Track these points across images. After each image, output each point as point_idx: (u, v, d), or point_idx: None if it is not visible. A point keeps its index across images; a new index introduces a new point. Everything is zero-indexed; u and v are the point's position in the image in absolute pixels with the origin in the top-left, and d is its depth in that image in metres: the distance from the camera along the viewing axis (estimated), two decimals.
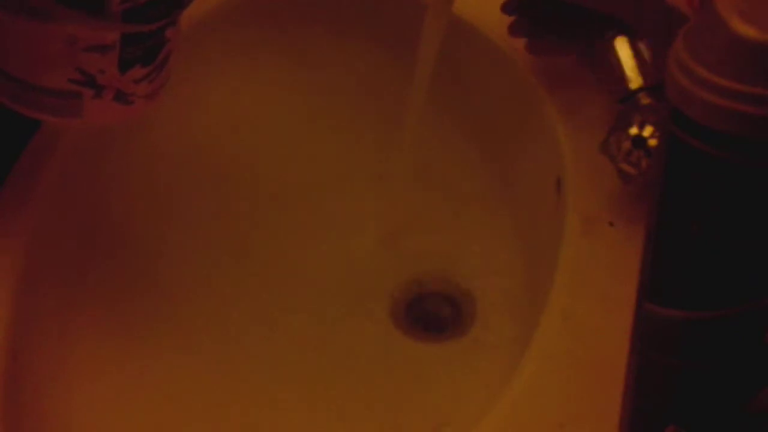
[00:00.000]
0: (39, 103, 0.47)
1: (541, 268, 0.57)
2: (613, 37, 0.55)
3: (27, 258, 0.54)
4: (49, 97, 0.46)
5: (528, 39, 0.61)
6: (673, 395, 0.39)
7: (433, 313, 0.66)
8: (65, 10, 0.42)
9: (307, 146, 0.72)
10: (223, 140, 0.71)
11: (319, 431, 0.60)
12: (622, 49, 0.55)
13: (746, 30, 0.31)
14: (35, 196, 0.57)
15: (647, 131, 0.52)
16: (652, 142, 0.52)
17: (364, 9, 0.60)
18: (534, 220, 0.65)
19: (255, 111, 0.72)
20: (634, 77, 0.55)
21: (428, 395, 0.62)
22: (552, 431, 0.46)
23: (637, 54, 0.55)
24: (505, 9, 0.60)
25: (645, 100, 0.54)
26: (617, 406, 0.42)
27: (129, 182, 0.64)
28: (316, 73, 0.73)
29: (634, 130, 0.52)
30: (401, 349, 0.64)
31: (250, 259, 0.68)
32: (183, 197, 0.66)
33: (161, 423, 0.58)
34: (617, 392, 0.42)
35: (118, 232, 0.62)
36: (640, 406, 0.41)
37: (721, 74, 0.31)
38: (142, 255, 0.63)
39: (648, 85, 0.54)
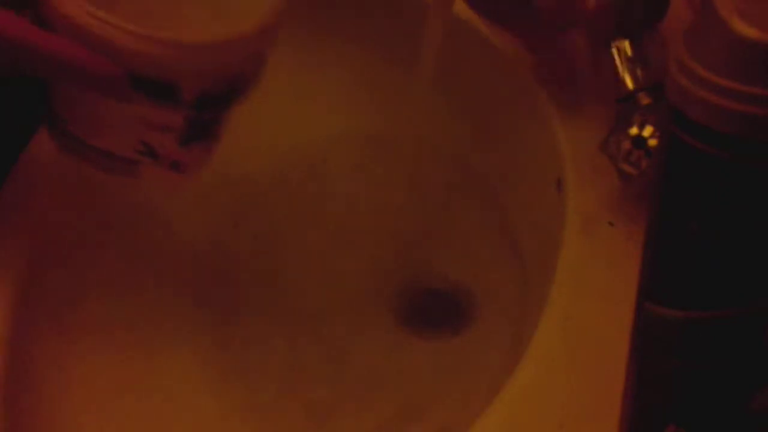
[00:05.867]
0: (98, 161, 0.49)
1: (541, 268, 0.57)
2: (613, 38, 0.55)
3: (27, 258, 0.54)
4: (108, 159, 0.49)
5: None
6: (673, 395, 0.39)
7: (432, 313, 0.66)
8: (141, 96, 0.45)
9: (308, 145, 0.72)
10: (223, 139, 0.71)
11: (316, 428, 0.60)
12: (622, 49, 0.55)
13: (746, 30, 0.31)
14: (35, 196, 0.57)
15: (647, 131, 0.52)
16: (652, 142, 0.52)
17: (364, 9, 0.60)
18: (534, 220, 0.65)
19: (254, 109, 0.72)
20: (633, 77, 0.55)
21: (428, 395, 0.62)
22: (552, 431, 0.46)
23: (636, 54, 0.55)
24: None
25: (645, 100, 0.54)
26: (617, 406, 0.42)
27: (129, 182, 0.64)
28: (315, 74, 0.73)
29: (634, 130, 0.52)
30: (401, 348, 0.64)
31: (250, 257, 0.68)
32: (185, 194, 0.66)
33: (161, 423, 0.58)
34: (617, 392, 0.42)
35: (119, 232, 0.62)
36: (640, 406, 0.41)
37: (721, 74, 0.31)
38: (143, 255, 0.63)
39: (648, 85, 0.54)
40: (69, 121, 0.48)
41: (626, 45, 0.55)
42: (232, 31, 0.46)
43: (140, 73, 0.45)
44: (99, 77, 0.44)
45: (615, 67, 0.55)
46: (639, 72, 0.55)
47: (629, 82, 0.55)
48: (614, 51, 0.55)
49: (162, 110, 0.46)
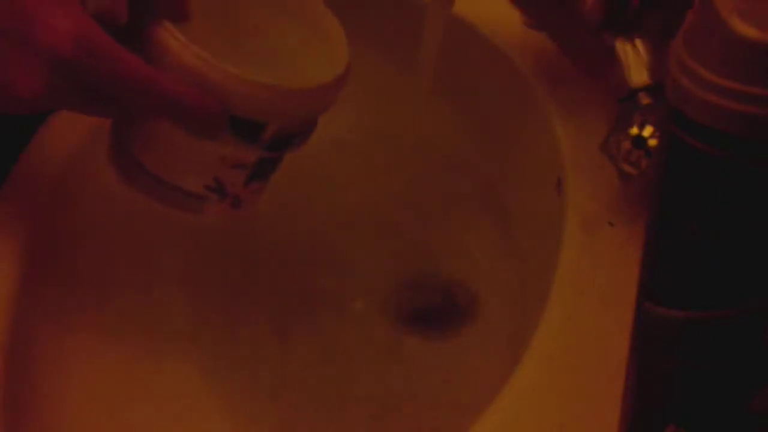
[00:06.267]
0: (166, 196, 0.51)
1: (541, 268, 0.57)
2: (614, 38, 0.55)
3: (26, 258, 0.54)
4: (178, 194, 0.51)
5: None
6: (673, 395, 0.39)
7: (433, 312, 0.66)
8: (230, 135, 0.48)
9: (307, 145, 0.72)
10: None
11: (316, 428, 0.60)
12: (622, 48, 0.55)
13: (746, 30, 0.31)
14: (35, 196, 0.57)
15: (647, 131, 0.52)
16: (652, 142, 0.52)
17: (364, 9, 0.60)
18: (534, 220, 0.65)
19: None
20: (634, 77, 0.55)
21: (428, 394, 0.62)
22: (552, 431, 0.46)
23: (636, 54, 0.55)
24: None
25: (645, 100, 0.54)
26: (617, 406, 0.42)
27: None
28: None
29: (634, 130, 0.52)
30: (401, 347, 0.64)
31: (249, 256, 0.68)
32: None
33: (161, 423, 0.58)
34: (617, 392, 0.42)
35: (119, 233, 0.62)
36: (640, 406, 0.41)
37: (721, 74, 0.31)
38: (143, 255, 0.63)
39: (648, 85, 0.54)
40: (141, 155, 0.50)
41: (626, 44, 0.55)
42: (324, 79, 0.50)
43: (235, 113, 0.47)
44: (204, 116, 0.46)
45: (619, 63, 0.55)
46: (639, 71, 0.55)
47: (629, 82, 0.55)
48: (618, 48, 0.55)
49: (242, 148, 0.49)
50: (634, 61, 0.55)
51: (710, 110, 0.32)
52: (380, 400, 0.61)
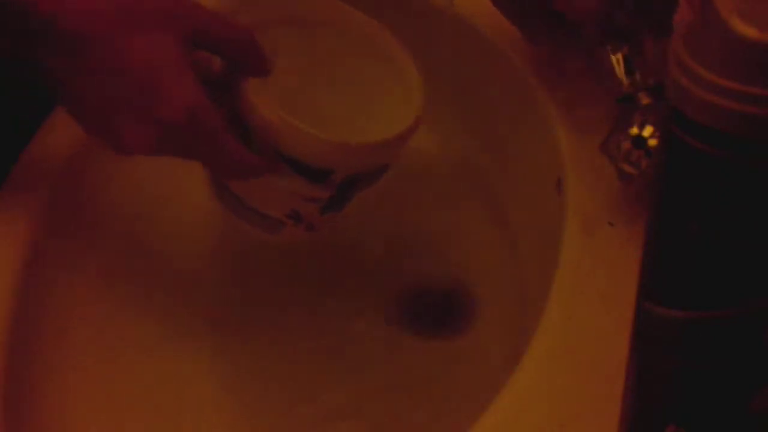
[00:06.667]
0: (250, 217, 0.57)
1: (541, 268, 0.57)
2: (614, 37, 0.56)
3: (26, 258, 0.54)
4: (260, 218, 0.57)
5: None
6: (673, 395, 0.39)
7: (432, 313, 0.66)
8: (298, 177, 0.53)
9: None
10: None
11: (317, 428, 0.60)
12: (622, 48, 0.55)
13: (746, 30, 0.31)
14: (35, 196, 0.57)
15: (647, 131, 0.52)
16: (652, 142, 0.52)
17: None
18: (534, 220, 0.65)
19: None
20: (633, 77, 0.55)
21: (428, 395, 0.62)
22: (552, 431, 0.46)
23: (637, 54, 0.55)
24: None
25: (645, 100, 0.54)
26: (617, 406, 0.42)
27: (130, 181, 0.64)
28: None
29: (634, 130, 0.52)
30: (401, 347, 0.64)
31: (249, 255, 0.68)
32: (184, 195, 0.66)
33: (161, 422, 0.58)
34: (617, 392, 0.42)
35: (119, 232, 0.62)
36: (640, 405, 0.41)
37: (721, 74, 0.31)
38: (143, 256, 0.63)
39: (648, 85, 0.54)
40: (236, 189, 0.57)
41: (626, 45, 0.55)
42: (391, 135, 0.54)
43: (306, 163, 0.53)
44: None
45: (614, 67, 0.55)
46: (639, 72, 0.55)
47: (629, 82, 0.55)
48: (614, 51, 0.55)
49: (315, 188, 0.55)
50: (628, 64, 0.55)
51: (710, 110, 0.32)
52: (380, 401, 0.61)
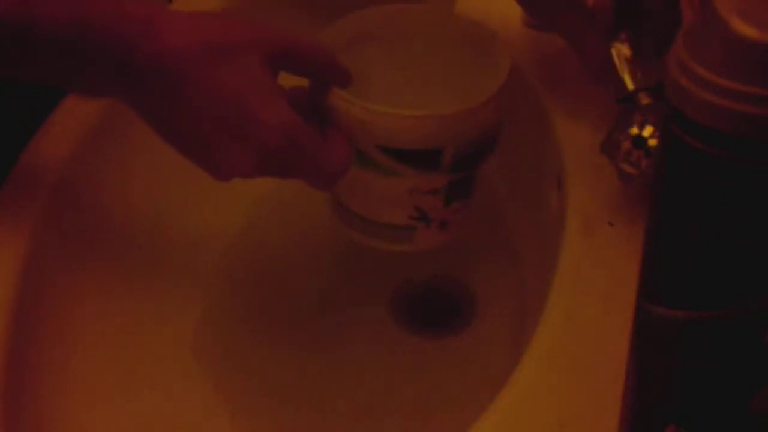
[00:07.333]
0: (378, 234, 0.58)
1: (541, 268, 0.57)
2: (614, 37, 0.56)
3: (26, 257, 0.54)
4: (387, 230, 0.58)
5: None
6: (673, 395, 0.39)
7: (432, 313, 0.66)
8: (408, 168, 0.53)
9: None
10: None
11: (319, 429, 0.60)
12: (623, 48, 0.55)
13: (746, 30, 0.31)
14: (35, 196, 0.57)
15: (647, 131, 0.52)
16: (652, 142, 0.52)
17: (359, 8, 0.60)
18: (534, 220, 0.65)
19: None
20: (633, 77, 0.55)
21: (427, 395, 0.62)
22: (552, 431, 0.46)
23: (637, 54, 0.55)
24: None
25: (645, 100, 0.54)
26: (617, 406, 0.42)
27: (130, 181, 0.64)
28: None
29: (634, 130, 0.52)
30: (401, 347, 0.64)
31: (253, 258, 0.68)
32: (184, 195, 0.66)
33: (161, 422, 0.58)
34: (617, 392, 0.42)
35: (119, 232, 0.62)
36: (640, 405, 0.41)
37: (721, 74, 0.31)
38: (143, 256, 0.63)
39: (648, 85, 0.54)
40: (349, 202, 0.58)
41: (626, 45, 0.55)
42: (482, 97, 0.53)
43: (412, 149, 0.53)
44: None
45: (615, 67, 0.55)
46: (639, 72, 0.55)
47: (629, 82, 0.55)
48: (614, 51, 0.55)
49: (428, 177, 0.54)
50: (629, 63, 0.55)
51: (710, 110, 0.32)
52: (380, 401, 0.61)
